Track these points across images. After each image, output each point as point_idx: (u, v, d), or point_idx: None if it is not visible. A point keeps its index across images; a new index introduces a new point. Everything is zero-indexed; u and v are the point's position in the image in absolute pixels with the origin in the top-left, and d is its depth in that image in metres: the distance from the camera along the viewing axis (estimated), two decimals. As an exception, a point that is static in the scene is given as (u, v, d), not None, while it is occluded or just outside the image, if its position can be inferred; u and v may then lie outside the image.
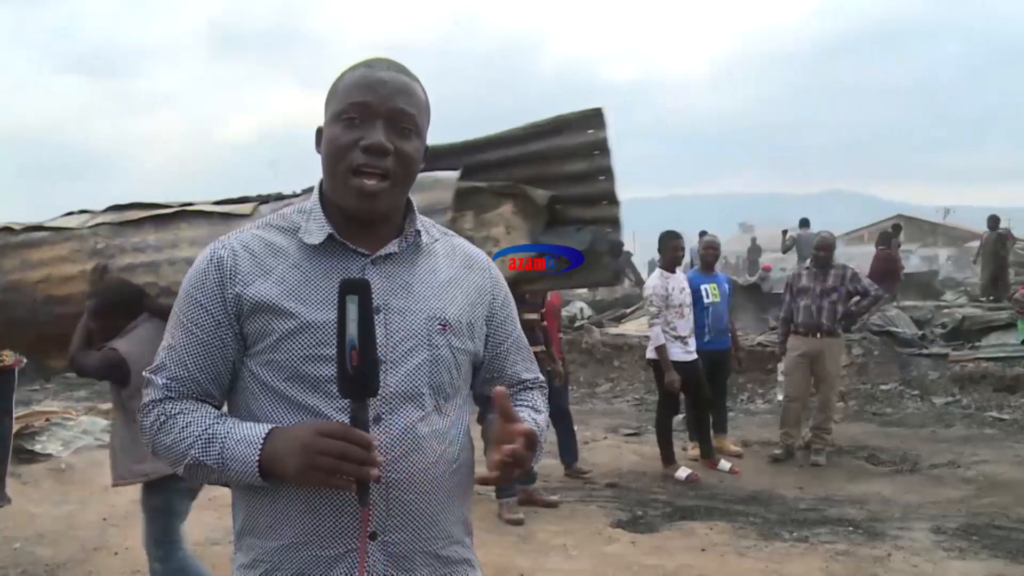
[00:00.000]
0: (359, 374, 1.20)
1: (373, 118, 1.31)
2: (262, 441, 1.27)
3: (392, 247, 1.37)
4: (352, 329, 1.19)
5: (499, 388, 1.32)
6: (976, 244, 18.20)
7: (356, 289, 1.20)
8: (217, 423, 1.31)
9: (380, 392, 1.26)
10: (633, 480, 6.01)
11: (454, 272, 1.44)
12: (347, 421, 1.24)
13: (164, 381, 1.35)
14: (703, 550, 4.57)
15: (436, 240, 1.46)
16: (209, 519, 4.69)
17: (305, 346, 1.30)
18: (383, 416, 1.31)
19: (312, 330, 1.30)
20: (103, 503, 5.36)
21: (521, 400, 1.52)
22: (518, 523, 5.00)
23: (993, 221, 14.99)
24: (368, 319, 1.20)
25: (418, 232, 1.41)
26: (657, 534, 4.90)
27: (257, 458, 1.26)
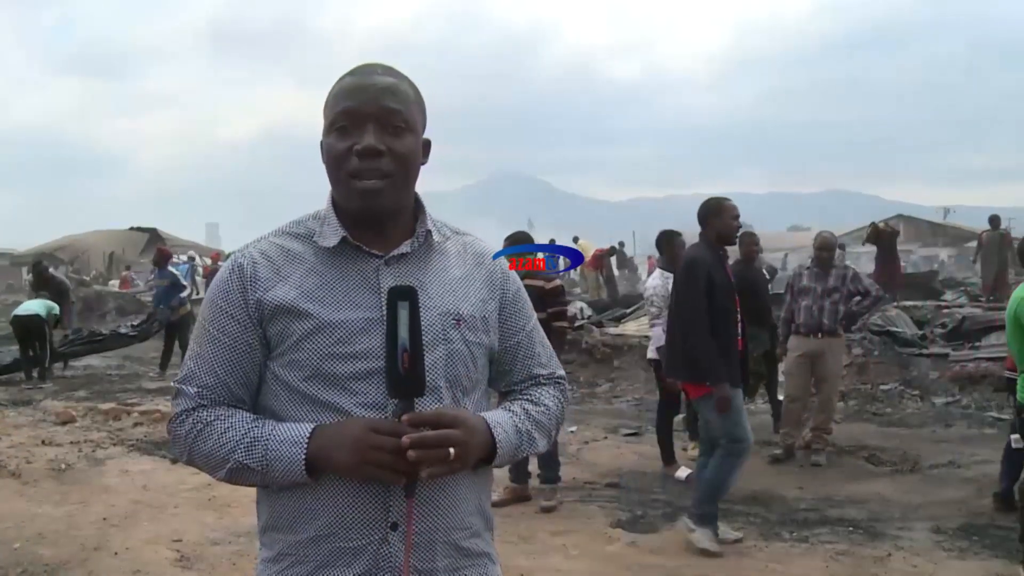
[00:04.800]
0: (410, 375, 1.27)
1: (363, 122, 1.35)
2: (307, 440, 1.30)
3: (404, 247, 1.41)
4: (404, 333, 1.26)
5: (406, 416, 1.29)
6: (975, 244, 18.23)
7: (406, 296, 1.28)
8: (256, 426, 1.35)
9: None
10: (633, 480, 6.01)
11: (466, 269, 1.48)
12: (370, 417, 1.31)
13: (195, 390, 1.38)
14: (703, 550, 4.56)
15: (447, 239, 1.49)
16: (209, 519, 4.51)
17: (325, 345, 1.34)
18: None
19: (331, 329, 1.34)
20: (103, 503, 5.36)
21: (524, 395, 1.52)
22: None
23: (994, 221, 15.01)
24: (416, 324, 1.26)
25: (428, 232, 1.44)
26: (657, 534, 4.90)
27: (303, 456, 1.30)
